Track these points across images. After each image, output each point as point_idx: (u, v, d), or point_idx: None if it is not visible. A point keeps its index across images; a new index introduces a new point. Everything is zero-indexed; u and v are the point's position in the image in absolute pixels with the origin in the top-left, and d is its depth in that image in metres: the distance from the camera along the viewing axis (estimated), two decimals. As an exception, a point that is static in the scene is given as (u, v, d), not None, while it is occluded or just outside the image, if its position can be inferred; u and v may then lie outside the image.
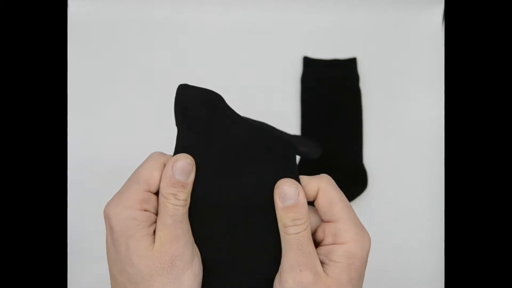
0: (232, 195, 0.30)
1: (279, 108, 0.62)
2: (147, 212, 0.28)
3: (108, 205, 0.28)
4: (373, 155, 0.60)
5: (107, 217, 0.27)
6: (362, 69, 0.63)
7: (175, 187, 0.28)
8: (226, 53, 0.64)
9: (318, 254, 0.29)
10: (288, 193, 0.29)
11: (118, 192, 0.29)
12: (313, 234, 0.31)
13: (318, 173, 0.58)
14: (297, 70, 0.64)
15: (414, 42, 0.65)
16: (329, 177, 0.32)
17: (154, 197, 0.29)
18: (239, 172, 0.30)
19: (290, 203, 0.29)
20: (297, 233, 0.28)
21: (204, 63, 0.64)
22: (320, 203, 0.30)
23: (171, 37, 0.65)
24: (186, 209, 0.29)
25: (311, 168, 0.59)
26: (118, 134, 0.58)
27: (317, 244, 0.30)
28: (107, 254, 0.28)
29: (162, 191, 0.28)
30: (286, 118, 0.62)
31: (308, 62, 0.63)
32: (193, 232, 0.30)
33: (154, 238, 0.28)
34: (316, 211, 0.31)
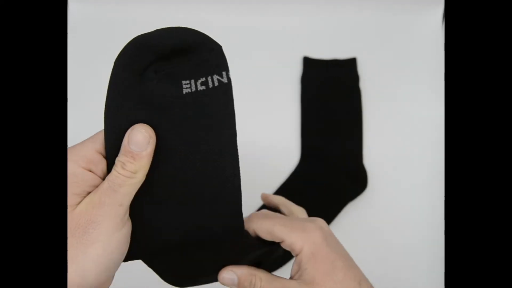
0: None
1: (279, 108, 0.62)
2: (90, 173, 0.27)
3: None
4: (373, 155, 0.60)
5: None
6: (362, 69, 0.63)
7: (126, 156, 0.26)
8: (226, 53, 0.64)
9: (294, 263, 0.32)
10: (228, 280, 0.32)
11: (73, 145, 0.28)
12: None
13: (318, 174, 0.58)
14: (297, 70, 0.64)
15: (414, 42, 0.65)
16: (253, 214, 0.34)
17: (105, 162, 0.28)
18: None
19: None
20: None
21: (204, 63, 0.64)
22: (263, 236, 0.32)
23: (171, 37, 0.65)
24: (129, 182, 0.27)
25: (311, 167, 0.60)
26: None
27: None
28: None
29: (117, 158, 0.27)
30: (286, 118, 0.62)
31: (308, 62, 0.63)
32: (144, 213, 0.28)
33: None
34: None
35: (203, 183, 0.28)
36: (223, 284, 0.32)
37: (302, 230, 0.31)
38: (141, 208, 0.29)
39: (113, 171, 0.27)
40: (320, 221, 0.33)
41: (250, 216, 0.33)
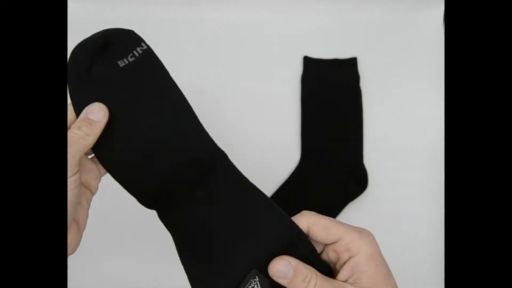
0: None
1: (279, 108, 0.62)
2: None
3: None
4: (373, 155, 0.60)
5: None
6: (363, 69, 0.63)
7: (83, 122, 0.31)
8: (226, 52, 0.64)
9: (346, 267, 0.29)
10: (281, 273, 0.29)
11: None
12: (322, 254, 0.32)
13: (318, 174, 0.58)
14: (298, 69, 0.64)
15: (414, 42, 0.65)
16: (305, 211, 0.32)
17: None
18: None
19: (288, 280, 0.29)
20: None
21: (205, 62, 0.64)
22: (316, 233, 0.30)
23: (171, 37, 0.65)
24: (81, 141, 0.31)
25: (311, 167, 0.60)
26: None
27: (334, 259, 0.31)
28: None
29: (73, 124, 0.31)
30: (286, 118, 0.62)
31: (309, 62, 0.63)
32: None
33: None
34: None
35: (160, 124, 0.34)
36: (272, 275, 0.29)
37: (358, 231, 0.30)
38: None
39: (69, 131, 0.31)
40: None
41: (302, 212, 0.31)
